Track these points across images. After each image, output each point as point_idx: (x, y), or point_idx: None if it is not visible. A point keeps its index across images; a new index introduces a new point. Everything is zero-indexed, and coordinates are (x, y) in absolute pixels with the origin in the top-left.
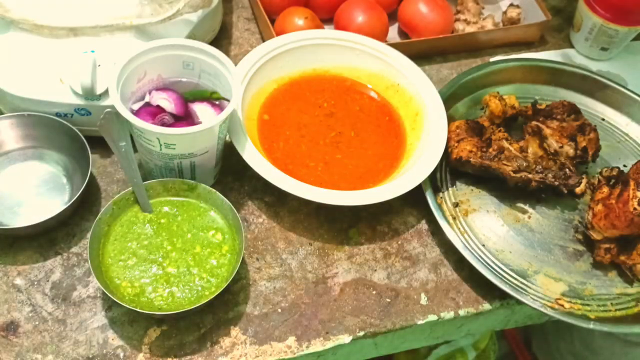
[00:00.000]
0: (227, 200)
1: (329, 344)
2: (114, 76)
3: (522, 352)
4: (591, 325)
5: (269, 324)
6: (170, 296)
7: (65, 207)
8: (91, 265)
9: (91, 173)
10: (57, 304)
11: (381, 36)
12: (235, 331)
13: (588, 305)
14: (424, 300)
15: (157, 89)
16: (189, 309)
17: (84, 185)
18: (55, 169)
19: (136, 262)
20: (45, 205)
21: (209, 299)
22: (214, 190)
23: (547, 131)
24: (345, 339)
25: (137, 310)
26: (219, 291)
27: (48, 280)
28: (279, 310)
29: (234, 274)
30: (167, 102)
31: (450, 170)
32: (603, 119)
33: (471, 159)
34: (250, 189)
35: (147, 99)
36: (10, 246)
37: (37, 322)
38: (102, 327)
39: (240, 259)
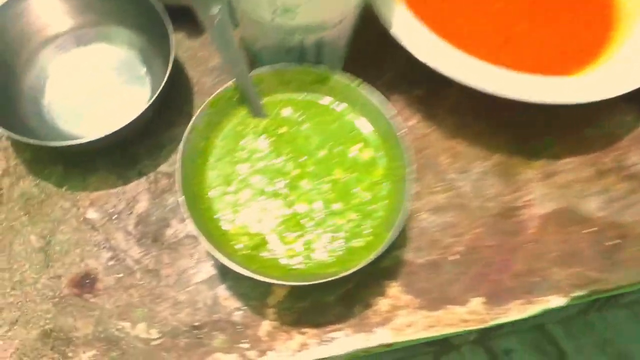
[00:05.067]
0: (380, 95)
1: (532, 309)
2: None
3: None
4: None
5: (440, 278)
6: (307, 249)
7: (145, 107)
8: (185, 201)
9: (176, 59)
10: (146, 247)
11: None
12: (393, 288)
13: None
14: None
15: None
16: (337, 276)
17: (167, 75)
18: (128, 53)
19: (251, 196)
20: (119, 107)
21: (367, 260)
22: (357, 80)
23: None
24: (556, 301)
25: (257, 277)
26: (381, 246)
27: (131, 213)
28: (453, 257)
29: (402, 219)
30: None
31: None
32: None
33: None
34: (393, 78)
35: None
36: (76, 166)
37: (120, 274)
38: (209, 281)
39: (408, 192)
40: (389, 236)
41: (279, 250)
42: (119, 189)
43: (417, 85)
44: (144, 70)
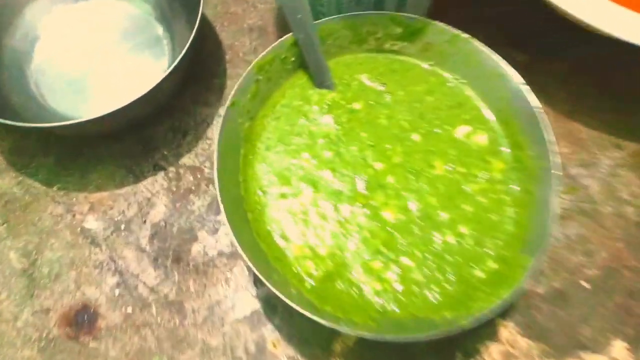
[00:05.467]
0: (494, 55)
1: None
2: None
3: None
4: None
5: (569, 314)
6: (401, 280)
7: (163, 77)
8: (225, 208)
9: (203, 16)
10: (165, 269)
11: None
12: (506, 329)
13: None
14: None
15: None
16: (446, 332)
17: (192, 36)
18: (140, 9)
19: (317, 201)
20: (129, 78)
21: (494, 305)
22: (462, 35)
23: None
24: None
25: (333, 325)
26: (518, 283)
27: (144, 221)
28: (584, 284)
29: (547, 238)
30: None
31: None
32: None
33: None
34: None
35: None
36: (72, 157)
37: (130, 308)
38: (252, 318)
39: (553, 195)
40: (530, 265)
41: (361, 282)
42: (129, 189)
43: (520, 49)
44: (161, 30)
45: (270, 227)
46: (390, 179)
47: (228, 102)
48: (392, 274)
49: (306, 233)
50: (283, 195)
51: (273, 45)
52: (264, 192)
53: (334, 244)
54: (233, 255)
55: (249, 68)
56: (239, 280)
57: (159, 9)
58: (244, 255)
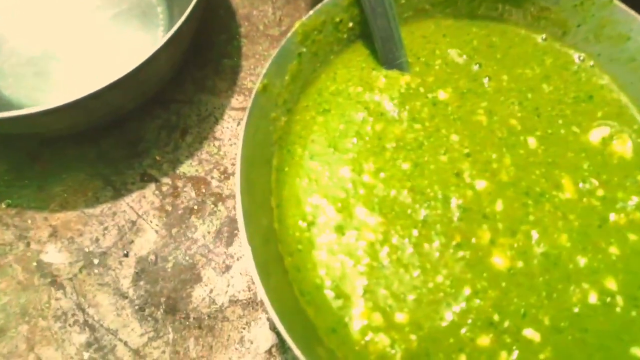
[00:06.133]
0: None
1: None
2: None
3: None
4: None
5: None
6: None
7: (153, 53)
8: (251, 250)
9: None
10: (155, 323)
11: None
12: None
13: None
14: None
15: None
16: None
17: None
18: None
19: (385, 231)
20: (108, 56)
21: None
22: None
23: None
24: None
25: None
26: None
27: (127, 254)
28: None
29: None
30: None
31: None
32: None
33: None
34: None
35: None
36: (29, 163)
37: None
38: None
39: None
40: None
41: None
42: (105, 208)
43: None
44: None
45: (320, 279)
46: (498, 206)
47: (257, 85)
48: (509, 355)
49: (375, 288)
50: (338, 229)
51: (324, 1)
52: (310, 224)
53: (418, 307)
54: (251, 304)
55: (289, 35)
56: (260, 340)
57: None
58: (281, 328)
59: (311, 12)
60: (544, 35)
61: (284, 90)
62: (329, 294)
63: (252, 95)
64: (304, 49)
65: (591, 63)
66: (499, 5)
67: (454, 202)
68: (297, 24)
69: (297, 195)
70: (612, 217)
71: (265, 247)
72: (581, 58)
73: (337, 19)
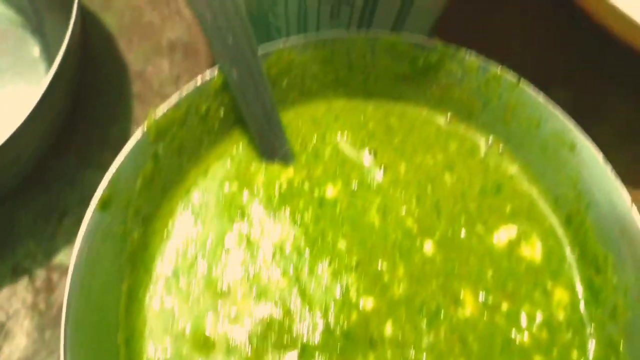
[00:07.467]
0: (557, 109)
1: None
2: None
3: None
4: None
5: None
6: None
7: (24, 120)
8: None
9: (82, 16)
10: None
11: None
12: None
13: None
14: None
15: None
16: None
17: (63, 48)
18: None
19: None
20: None
21: None
22: (506, 74)
23: None
24: None
25: None
26: None
27: None
28: None
29: None
30: None
31: None
32: None
33: None
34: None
35: None
36: None
37: None
38: None
39: None
40: None
41: None
42: None
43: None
44: (34, 45)
45: None
46: (387, 329)
47: (95, 201)
48: None
49: None
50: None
51: (185, 91)
52: None
53: None
54: None
55: (138, 132)
56: None
57: (23, 13)
58: None
59: (165, 106)
60: (448, 116)
61: (136, 199)
62: None
63: (89, 214)
64: (161, 148)
65: (500, 149)
66: (397, 82)
67: (336, 327)
68: (146, 121)
69: (152, 328)
70: (517, 337)
71: None
72: (489, 143)
73: (203, 108)
